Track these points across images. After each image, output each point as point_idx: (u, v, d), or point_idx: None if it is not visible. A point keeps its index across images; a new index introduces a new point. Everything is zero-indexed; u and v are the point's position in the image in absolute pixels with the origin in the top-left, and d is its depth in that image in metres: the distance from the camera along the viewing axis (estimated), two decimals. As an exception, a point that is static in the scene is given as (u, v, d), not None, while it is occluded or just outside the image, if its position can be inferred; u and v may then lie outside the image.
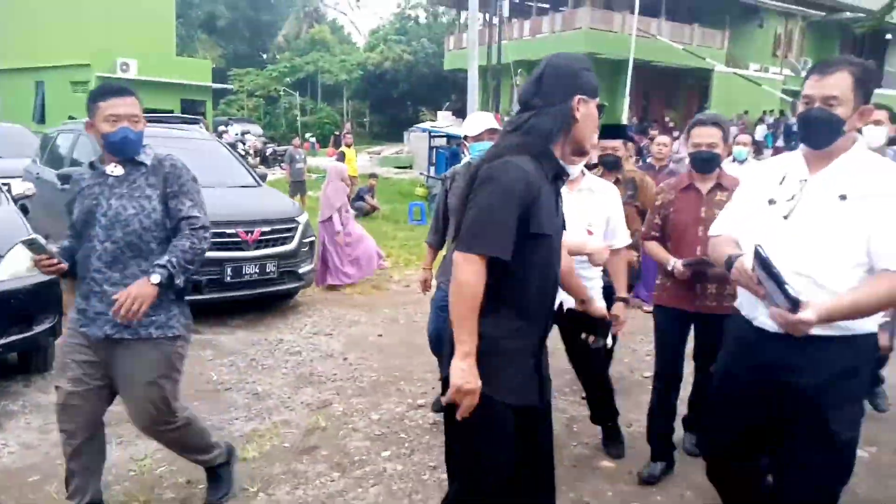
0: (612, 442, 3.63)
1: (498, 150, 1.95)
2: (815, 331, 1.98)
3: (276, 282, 6.03)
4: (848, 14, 26.83)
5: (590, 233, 3.20)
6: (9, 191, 4.96)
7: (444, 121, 23.52)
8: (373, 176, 15.19)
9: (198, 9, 47.26)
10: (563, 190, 2.81)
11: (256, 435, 3.65)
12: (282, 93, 40.09)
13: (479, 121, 3.81)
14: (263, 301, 6.16)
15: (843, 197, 2.03)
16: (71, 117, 17.67)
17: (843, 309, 1.97)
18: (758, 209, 2.23)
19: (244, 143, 23.93)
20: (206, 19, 48.82)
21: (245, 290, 5.84)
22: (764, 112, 24.56)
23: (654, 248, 3.37)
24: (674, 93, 27.41)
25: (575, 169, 3.16)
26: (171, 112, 21.35)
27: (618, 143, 4.17)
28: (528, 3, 29.85)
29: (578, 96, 1.91)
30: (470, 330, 1.85)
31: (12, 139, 10.55)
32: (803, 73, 20.78)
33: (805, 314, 1.91)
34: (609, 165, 4.16)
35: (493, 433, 1.92)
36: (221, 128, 25.13)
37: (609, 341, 3.08)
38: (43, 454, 3.39)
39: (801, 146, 2.20)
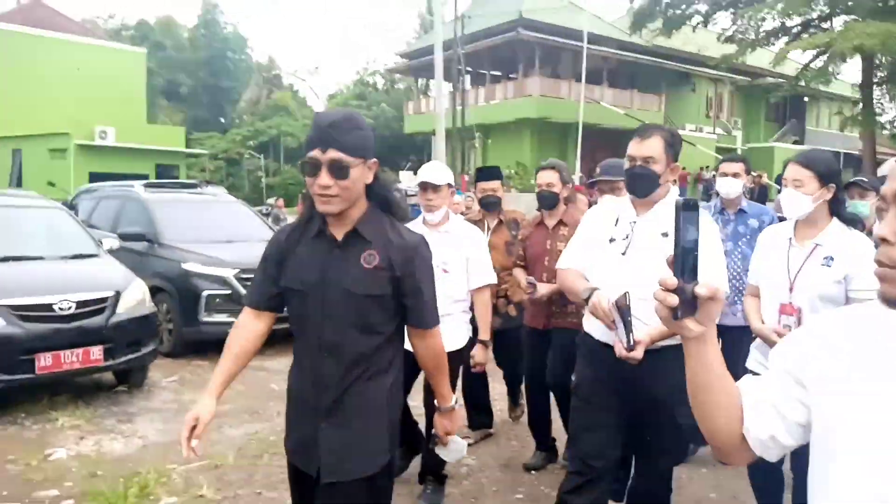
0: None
1: None
2: (659, 343, 2.39)
3: (305, 318, 7.26)
4: (770, 79, 29.76)
5: (444, 271, 3.26)
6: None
7: (409, 181, 25.17)
8: None
9: (158, 76, 48.60)
10: (425, 232, 2.86)
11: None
12: (246, 156, 41.38)
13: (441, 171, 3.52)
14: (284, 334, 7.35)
15: (664, 234, 2.41)
16: (50, 183, 18.73)
17: (660, 334, 2.35)
18: (599, 247, 2.59)
19: (218, 205, 24.94)
20: (166, 86, 50.18)
21: (283, 323, 7.06)
22: (700, 168, 26.92)
23: (518, 273, 3.90)
24: (618, 152, 29.29)
25: (435, 215, 3.39)
26: (147, 176, 22.46)
27: (496, 184, 4.26)
28: (481, 71, 32.14)
29: None
30: (217, 369, 2.03)
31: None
32: (734, 133, 23.10)
33: (635, 353, 2.32)
34: (489, 206, 4.28)
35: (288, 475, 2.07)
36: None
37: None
38: (177, 434, 4.59)
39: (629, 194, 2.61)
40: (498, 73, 32.37)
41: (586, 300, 2.47)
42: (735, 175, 3.96)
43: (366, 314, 1.89)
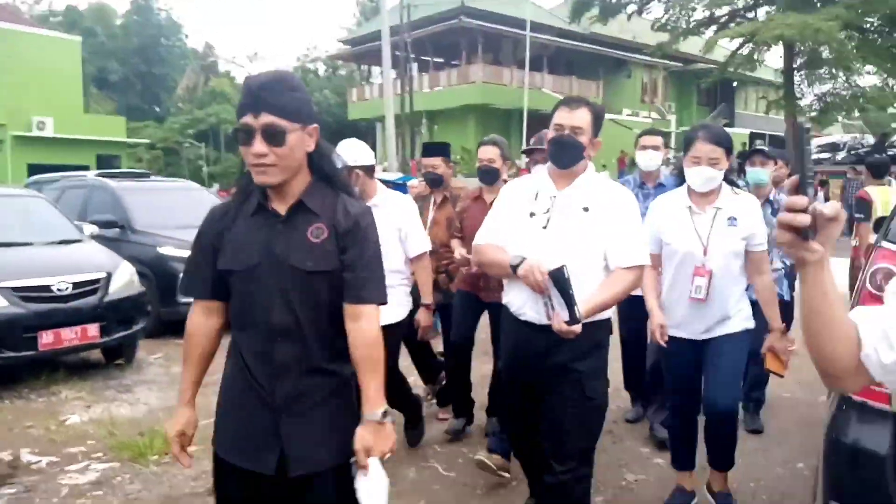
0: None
1: None
2: None
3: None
4: (701, 65, 31.10)
5: None
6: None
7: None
8: None
9: (89, 64, 47.14)
10: None
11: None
12: (186, 144, 40.74)
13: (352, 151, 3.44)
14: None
15: (585, 209, 2.45)
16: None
17: (596, 308, 2.38)
18: (519, 221, 2.53)
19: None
20: (97, 74, 48.72)
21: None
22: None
23: (455, 244, 3.92)
24: (559, 136, 30.56)
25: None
26: (87, 167, 22.12)
27: (437, 160, 4.27)
28: (425, 58, 32.54)
29: None
30: (184, 377, 1.87)
31: None
32: (669, 117, 24.19)
33: (576, 328, 2.27)
34: (432, 182, 4.34)
35: (215, 480, 1.89)
36: (140, 181, 25.76)
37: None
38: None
39: (549, 165, 2.56)
40: (441, 61, 32.84)
41: (514, 268, 2.40)
42: (655, 148, 4.01)
43: (317, 292, 1.74)
